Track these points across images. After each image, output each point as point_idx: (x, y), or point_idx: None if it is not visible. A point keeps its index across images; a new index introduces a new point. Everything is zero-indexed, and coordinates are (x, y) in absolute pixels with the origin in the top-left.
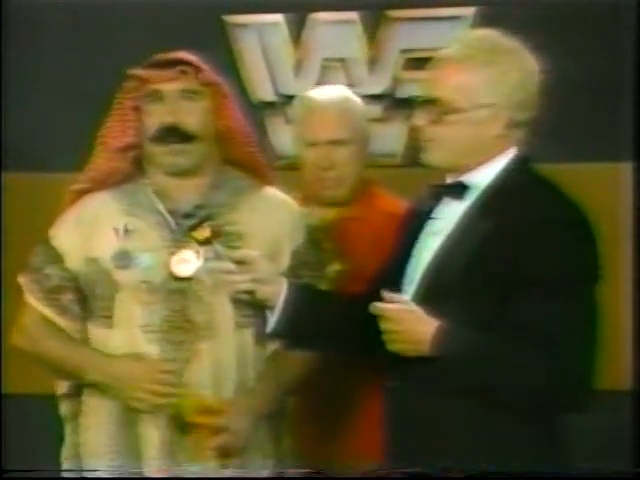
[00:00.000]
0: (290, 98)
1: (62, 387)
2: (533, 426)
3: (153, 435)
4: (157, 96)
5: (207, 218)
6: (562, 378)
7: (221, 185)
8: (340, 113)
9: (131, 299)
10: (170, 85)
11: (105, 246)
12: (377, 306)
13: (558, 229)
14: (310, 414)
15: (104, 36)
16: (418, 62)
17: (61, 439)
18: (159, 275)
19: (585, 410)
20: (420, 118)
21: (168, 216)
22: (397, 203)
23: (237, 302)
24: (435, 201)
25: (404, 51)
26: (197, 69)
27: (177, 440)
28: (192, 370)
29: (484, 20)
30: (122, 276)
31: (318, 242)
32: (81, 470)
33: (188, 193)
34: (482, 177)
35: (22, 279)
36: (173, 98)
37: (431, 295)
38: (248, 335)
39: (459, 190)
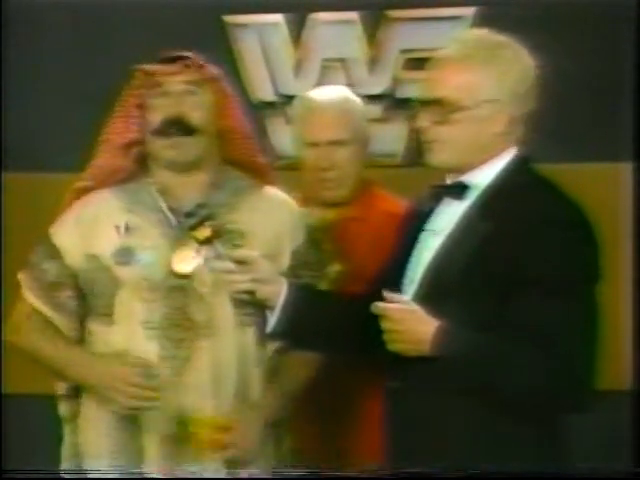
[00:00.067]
0: (290, 98)
1: (61, 388)
2: (533, 426)
3: (153, 436)
4: (161, 91)
5: (208, 218)
6: (562, 378)
7: (222, 184)
8: (340, 113)
9: (132, 296)
10: (174, 78)
11: (106, 243)
12: (378, 306)
13: (558, 229)
14: (310, 414)
15: (104, 36)
16: (418, 62)
17: (61, 439)
18: (160, 272)
19: (585, 410)
20: (423, 119)
21: (169, 214)
22: (397, 203)
23: (238, 301)
24: (435, 201)
25: (404, 51)
26: (200, 64)
27: (177, 440)
28: (191, 368)
29: (484, 20)
30: (123, 273)
31: (318, 242)
32: (81, 471)
33: (189, 191)
34: (482, 177)
35: (21, 275)
36: (177, 93)
37: (431, 295)
38: (249, 334)
39: (459, 190)
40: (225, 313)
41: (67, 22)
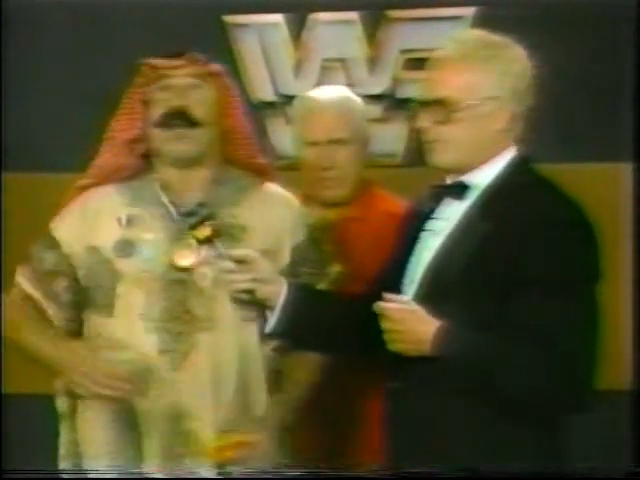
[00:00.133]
0: (290, 98)
1: (59, 383)
2: (533, 426)
3: (150, 430)
4: (165, 84)
5: (208, 217)
6: (562, 378)
7: (224, 181)
8: (341, 113)
9: (132, 289)
10: (178, 72)
11: (107, 235)
12: (378, 305)
13: (558, 229)
14: (310, 414)
15: (104, 36)
16: (418, 62)
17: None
18: (160, 265)
19: (585, 410)
20: (423, 119)
21: (171, 207)
22: (397, 203)
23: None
24: (435, 201)
25: (404, 51)
26: (205, 60)
27: (175, 436)
28: (190, 362)
29: (484, 20)
30: (123, 265)
31: (318, 241)
32: (80, 471)
33: (191, 187)
34: (483, 177)
35: (19, 267)
36: (181, 86)
37: (431, 295)
38: (251, 329)
39: (459, 190)
40: (226, 308)
41: (67, 22)
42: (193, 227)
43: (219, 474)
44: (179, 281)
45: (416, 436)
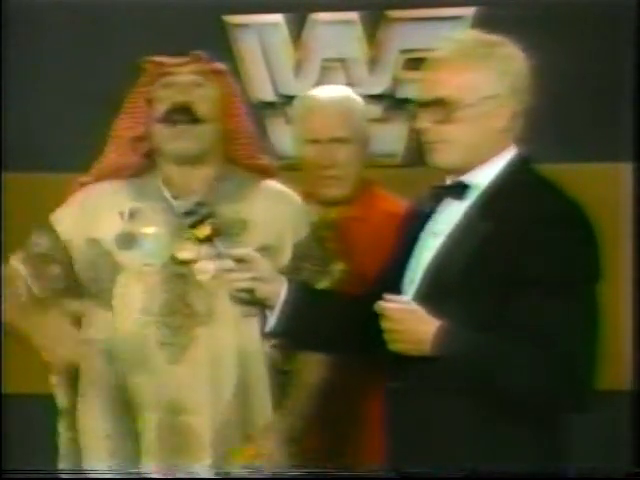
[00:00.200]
0: (290, 98)
1: (56, 378)
2: (533, 426)
3: (149, 423)
4: (169, 81)
5: (208, 216)
6: (562, 378)
7: (226, 179)
8: (341, 111)
9: (132, 281)
10: (182, 69)
11: (108, 228)
12: (378, 305)
13: (558, 229)
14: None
15: (104, 36)
16: (418, 62)
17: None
18: (161, 258)
19: (585, 410)
20: (424, 120)
21: (173, 202)
22: (397, 203)
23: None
24: (436, 201)
25: (404, 51)
26: (208, 58)
27: (173, 430)
28: (189, 356)
29: (484, 20)
30: (124, 257)
31: (321, 239)
32: (80, 471)
33: (194, 184)
34: (483, 177)
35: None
36: (185, 83)
37: (432, 295)
38: (252, 325)
39: (460, 190)
40: (226, 302)
41: (67, 22)
42: (193, 226)
43: (217, 474)
44: (179, 275)
45: (416, 436)
